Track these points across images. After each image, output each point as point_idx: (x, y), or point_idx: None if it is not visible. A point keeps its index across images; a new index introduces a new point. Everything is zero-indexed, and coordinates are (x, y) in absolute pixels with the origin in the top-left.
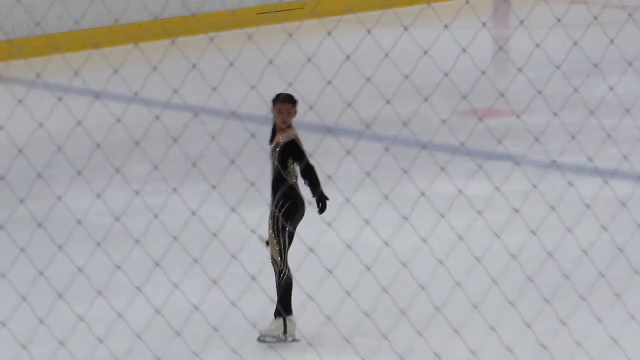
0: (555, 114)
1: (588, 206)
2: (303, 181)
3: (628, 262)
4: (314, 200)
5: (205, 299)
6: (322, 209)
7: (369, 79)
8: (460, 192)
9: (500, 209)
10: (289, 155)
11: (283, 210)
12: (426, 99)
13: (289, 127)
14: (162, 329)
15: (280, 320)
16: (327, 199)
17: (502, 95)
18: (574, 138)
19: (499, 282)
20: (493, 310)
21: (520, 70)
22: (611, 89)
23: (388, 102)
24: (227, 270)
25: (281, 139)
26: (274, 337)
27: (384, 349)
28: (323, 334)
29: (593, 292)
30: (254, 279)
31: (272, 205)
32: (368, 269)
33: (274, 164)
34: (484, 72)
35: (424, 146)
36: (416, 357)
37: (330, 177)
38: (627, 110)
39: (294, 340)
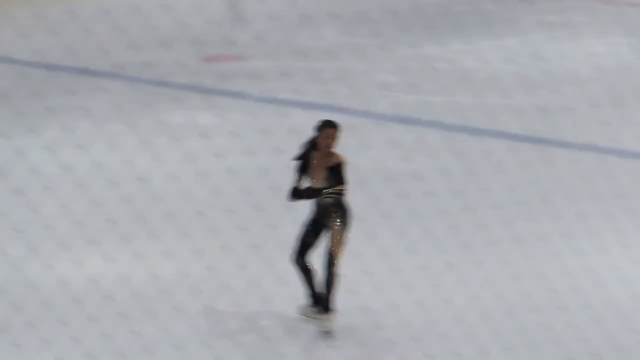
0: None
1: (297, 132)
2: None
3: None
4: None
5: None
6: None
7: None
8: (193, 120)
9: (223, 134)
10: (343, 174)
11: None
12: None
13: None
14: None
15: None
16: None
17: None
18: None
19: (223, 193)
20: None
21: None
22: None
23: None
24: None
25: (333, 160)
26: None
27: None
28: None
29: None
30: None
31: (335, 216)
32: None
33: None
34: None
35: (164, 84)
36: None
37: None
38: (329, 53)
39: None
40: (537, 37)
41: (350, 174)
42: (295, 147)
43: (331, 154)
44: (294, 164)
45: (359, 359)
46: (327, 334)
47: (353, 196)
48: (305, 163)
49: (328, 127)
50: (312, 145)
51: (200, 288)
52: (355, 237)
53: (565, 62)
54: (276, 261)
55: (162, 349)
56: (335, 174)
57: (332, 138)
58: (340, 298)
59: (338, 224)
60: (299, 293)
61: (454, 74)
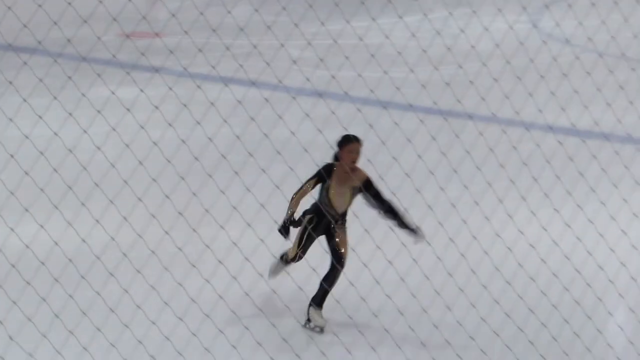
0: (186, 33)
1: (212, 104)
2: (380, 212)
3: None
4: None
5: None
6: (417, 235)
7: None
8: (112, 93)
9: (144, 107)
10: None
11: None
12: (85, 21)
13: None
14: None
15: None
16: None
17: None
18: (200, 51)
19: (146, 163)
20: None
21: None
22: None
23: (55, 23)
24: None
25: (358, 176)
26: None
27: None
28: None
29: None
30: None
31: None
32: None
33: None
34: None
35: (84, 59)
36: None
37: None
38: (241, 29)
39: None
40: (438, 14)
41: (268, 146)
42: (213, 118)
43: (355, 170)
44: (311, 180)
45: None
46: (316, 329)
47: (269, 166)
48: (323, 179)
49: (352, 142)
50: (331, 164)
51: (129, 253)
52: (272, 204)
53: (464, 38)
54: (199, 226)
55: (97, 311)
56: (368, 191)
57: (357, 153)
58: (235, 262)
59: (342, 224)
60: (224, 255)
61: (360, 49)
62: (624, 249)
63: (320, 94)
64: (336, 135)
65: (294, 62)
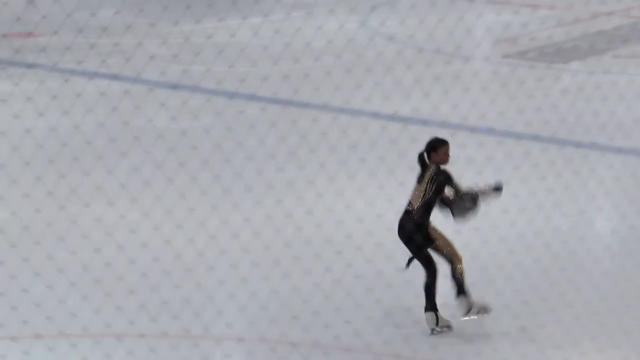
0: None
1: (79, 95)
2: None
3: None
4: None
5: None
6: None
7: None
8: None
9: (19, 99)
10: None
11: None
12: None
13: None
14: None
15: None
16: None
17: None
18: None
19: (20, 148)
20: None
21: None
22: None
23: None
24: None
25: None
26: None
27: None
28: None
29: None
30: None
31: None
32: None
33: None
34: None
35: None
36: None
37: None
38: (104, 29)
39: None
40: (277, 16)
41: (125, 133)
42: (80, 109)
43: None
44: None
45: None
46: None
47: (129, 150)
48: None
49: (447, 144)
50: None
51: (5, 229)
52: (133, 185)
53: (300, 36)
54: (68, 204)
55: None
56: (446, 182)
57: (449, 154)
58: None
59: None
60: (88, 230)
61: (210, 47)
62: (439, 223)
63: (173, 87)
64: (188, 123)
65: (151, 58)
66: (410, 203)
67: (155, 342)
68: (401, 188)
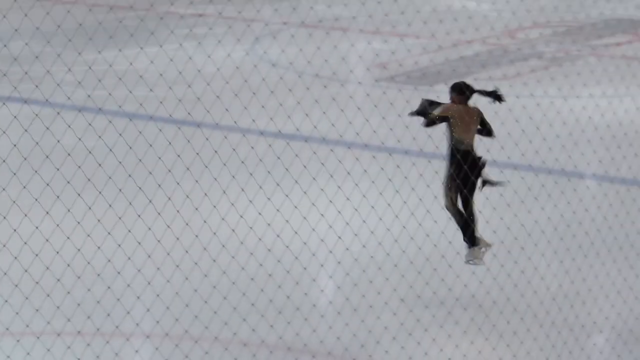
0: None
1: (15, 117)
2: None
3: None
4: None
5: None
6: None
7: None
8: None
9: None
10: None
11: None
12: None
13: None
14: None
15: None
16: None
17: None
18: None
19: None
20: None
21: None
22: None
23: None
24: None
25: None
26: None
27: None
28: None
29: None
30: None
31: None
32: None
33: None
34: None
35: None
36: None
37: None
38: (15, 58)
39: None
40: (171, 46)
41: (36, 152)
42: None
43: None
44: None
45: None
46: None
47: (40, 167)
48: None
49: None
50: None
51: None
52: (46, 199)
53: (192, 64)
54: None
55: None
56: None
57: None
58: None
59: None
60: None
61: (111, 74)
62: (324, 229)
63: (79, 110)
64: (93, 142)
65: (58, 84)
66: (463, 143)
67: (70, 340)
68: (286, 200)
